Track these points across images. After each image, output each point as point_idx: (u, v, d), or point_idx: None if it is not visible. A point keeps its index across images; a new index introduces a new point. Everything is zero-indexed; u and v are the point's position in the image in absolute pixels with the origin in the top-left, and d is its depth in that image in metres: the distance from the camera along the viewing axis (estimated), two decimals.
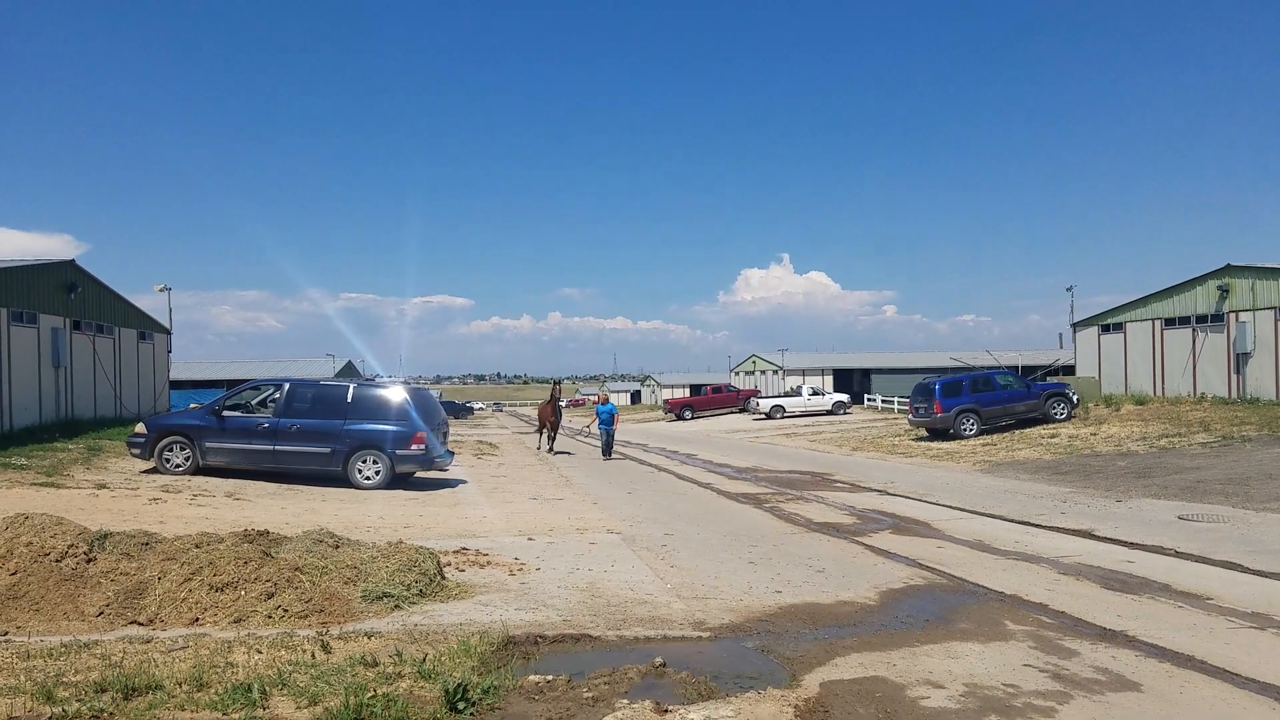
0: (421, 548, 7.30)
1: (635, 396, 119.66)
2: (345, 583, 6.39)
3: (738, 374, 78.20)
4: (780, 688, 4.89)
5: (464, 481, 17.46)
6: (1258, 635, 5.99)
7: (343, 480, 15.10)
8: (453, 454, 17.90)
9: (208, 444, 15.26)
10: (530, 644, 5.75)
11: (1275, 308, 26.39)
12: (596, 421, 24.04)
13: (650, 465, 21.86)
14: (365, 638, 5.58)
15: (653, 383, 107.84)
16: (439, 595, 6.79)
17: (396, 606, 6.32)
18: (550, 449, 25.72)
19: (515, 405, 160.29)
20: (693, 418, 52.76)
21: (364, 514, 12.09)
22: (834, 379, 63.25)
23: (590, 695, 4.75)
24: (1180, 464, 16.83)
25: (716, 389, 58.11)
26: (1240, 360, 27.38)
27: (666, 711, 4.49)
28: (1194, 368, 29.16)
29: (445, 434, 17.74)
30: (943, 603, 7.09)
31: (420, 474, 16.57)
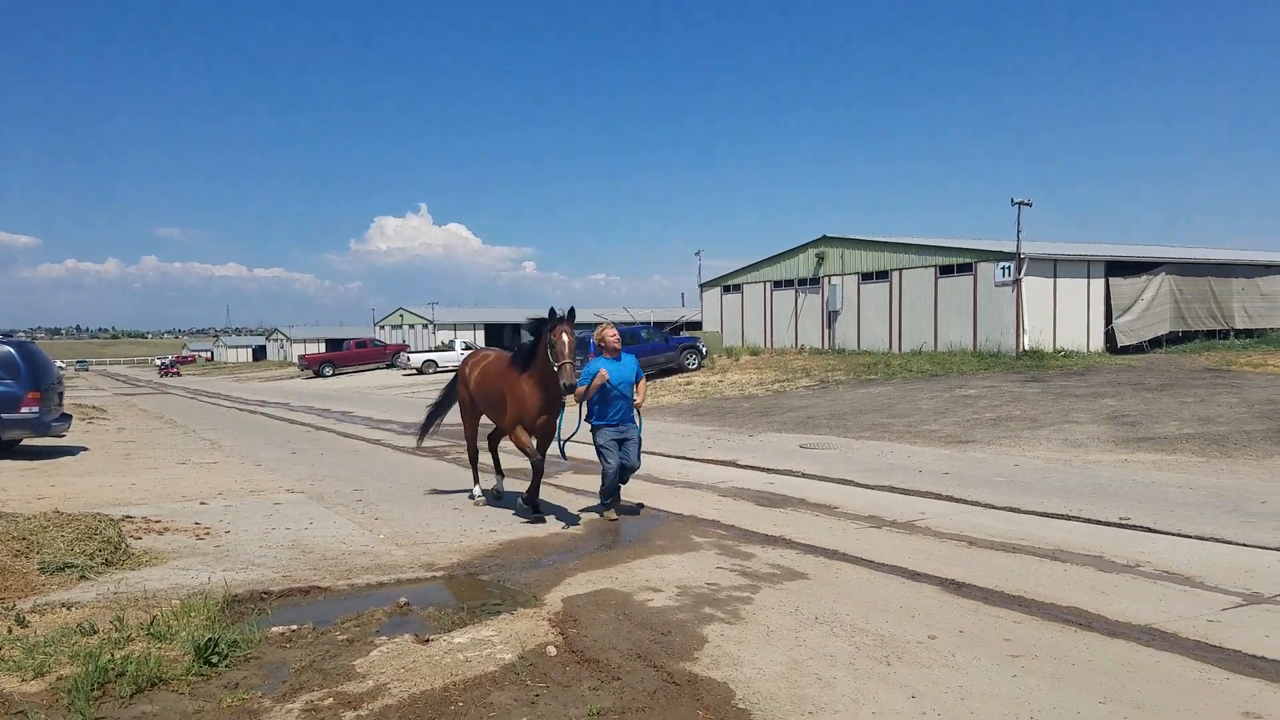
0: (99, 514, 6.56)
1: (259, 353, 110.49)
2: (15, 555, 5.57)
3: (383, 328, 75.85)
4: (529, 608, 5.30)
5: (85, 449, 15.37)
6: (877, 532, 7.57)
7: None
8: (70, 418, 15.59)
9: None
10: (256, 601, 5.53)
11: (859, 273, 31.91)
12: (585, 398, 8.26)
13: (304, 424, 20.77)
14: (64, 609, 5.00)
15: (280, 337, 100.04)
16: (127, 563, 6.17)
17: (83, 577, 5.66)
18: (533, 499, 8.49)
19: (104, 363, 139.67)
20: (334, 374, 50.59)
21: None
22: (485, 333, 64.07)
23: (345, 638, 4.77)
24: (792, 404, 19.91)
25: (361, 344, 56.02)
26: (831, 317, 32.76)
27: (429, 641, 4.68)
28: (796, 323, 34.29)
29: (61, 395, 15.40)
30: (637, 526, 7.94)
31: (30, 441, 14.29)
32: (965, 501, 8.76)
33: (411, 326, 69.38)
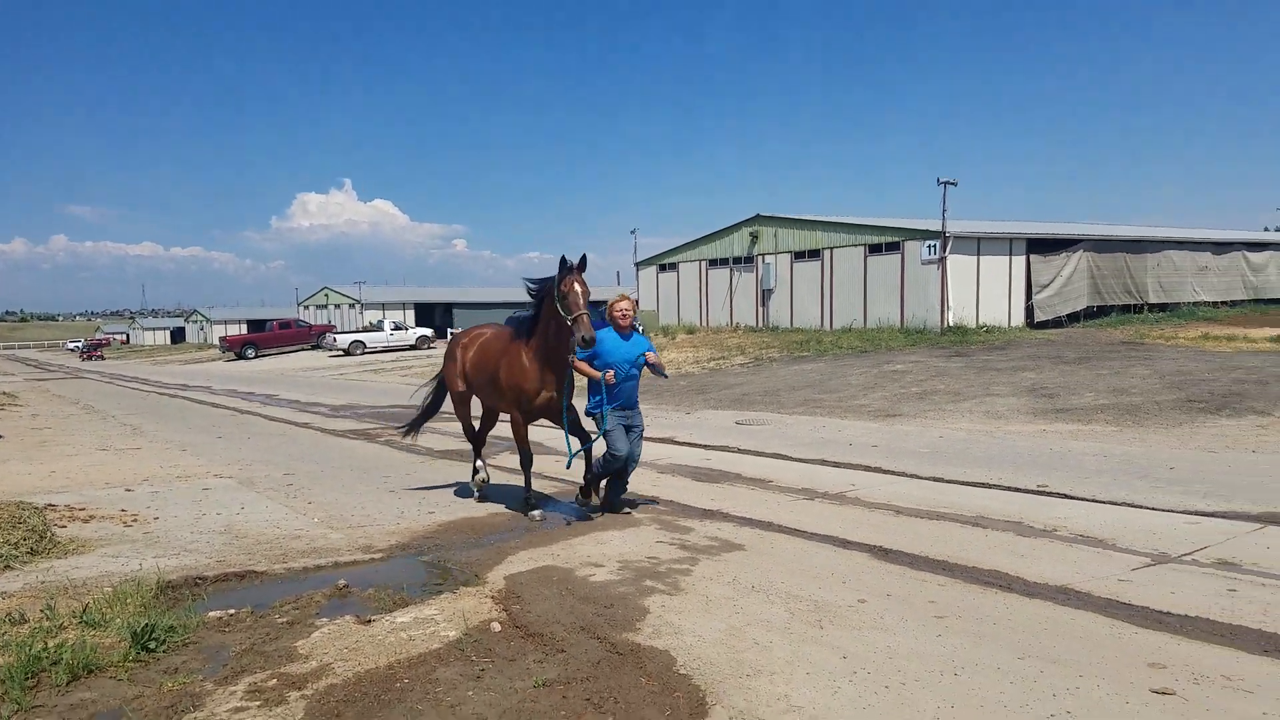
0: (23, 502, 6.37)
1: (178, 334, 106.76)
2: None
3: (308, 308, 74.08)
4: (471, 586, 5.34)
5: None
6: (809, 504, 7.79)
7: None
8: None
9: None
10: (190, 586, 5.44)
11: (792, 252, 32.35)
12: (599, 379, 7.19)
13: (228, 408, 20.24)
14: None
15: (200, 318, 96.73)
16: (54, 552, 6.01)
17: (8, 566, 5.52)
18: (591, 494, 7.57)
19: (12, 348, 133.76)
20: (257, 356, 49.32)
21: None
22: (416, 313, 63.03)
23: (284, 621, 4.74)
24: (728, 381, 20.18)
25: (284, 324, 54.62)
26: (765, 295, 33.19)
27: (370, 621, 4.69)
28: (731, 302, 34.65)
29: None
30: (577, 506, 7.99)
31: None
32: (893, 472, 9.05)
33: (338, 306, 67.85)
